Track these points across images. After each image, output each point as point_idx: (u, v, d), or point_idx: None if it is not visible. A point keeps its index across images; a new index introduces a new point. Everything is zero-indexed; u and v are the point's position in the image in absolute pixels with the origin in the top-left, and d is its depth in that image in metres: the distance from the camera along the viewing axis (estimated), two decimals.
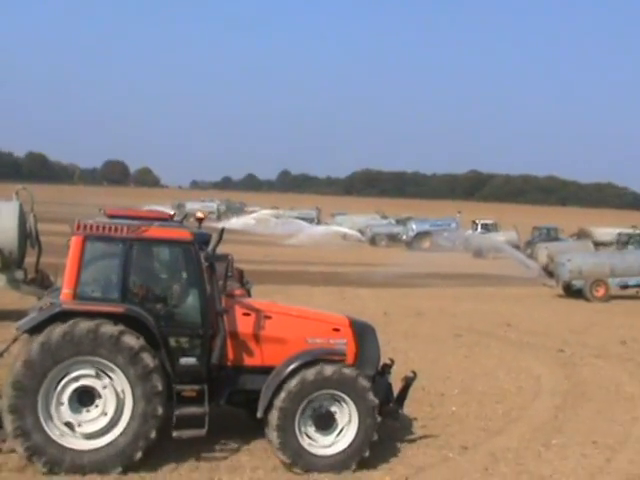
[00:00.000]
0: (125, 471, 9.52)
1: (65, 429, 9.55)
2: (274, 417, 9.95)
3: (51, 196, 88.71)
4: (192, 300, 10.37)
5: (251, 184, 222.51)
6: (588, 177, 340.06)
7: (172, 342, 10.13)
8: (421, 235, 61.77)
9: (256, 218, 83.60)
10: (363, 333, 11.14)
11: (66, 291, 9.85)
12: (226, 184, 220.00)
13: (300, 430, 10.07)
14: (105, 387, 9.64)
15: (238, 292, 12.06)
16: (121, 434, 9.58)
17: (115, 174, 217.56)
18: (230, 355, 10.43)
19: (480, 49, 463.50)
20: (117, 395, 9.64)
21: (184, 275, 10.61)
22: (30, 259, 20.21)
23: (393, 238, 65.81)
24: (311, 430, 10.17)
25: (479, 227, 64.01)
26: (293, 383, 10.00)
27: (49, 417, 9.49)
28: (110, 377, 9.64)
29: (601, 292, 31.95)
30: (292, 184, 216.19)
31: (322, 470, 10.03)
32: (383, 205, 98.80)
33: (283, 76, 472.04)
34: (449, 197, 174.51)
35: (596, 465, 10.97)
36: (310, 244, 58.92)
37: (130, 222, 10.27)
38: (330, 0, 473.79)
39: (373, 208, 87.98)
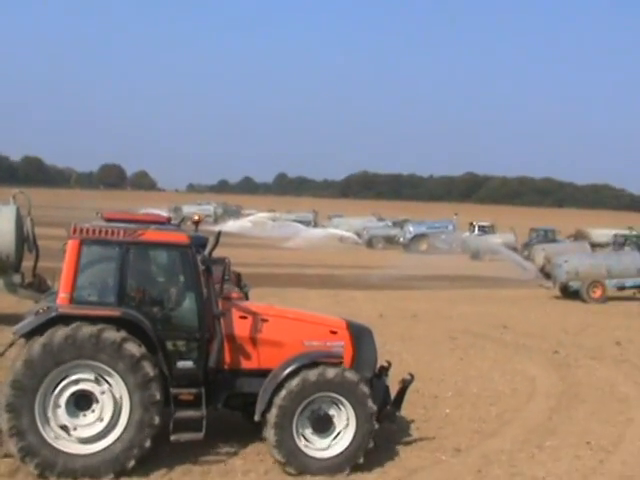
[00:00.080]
0: (117, 476, 9.50)
1: (60, 432, 9.54)
2: (273, 415, 9.95)
3: (47, 200, 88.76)
4: (189, 303, 10.35)
5: (248, 187, 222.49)
6: (585, 179, 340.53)
7: (169, 346, 10.13)
8: (418, 237, 61.80)
9: (253, 221, 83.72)
10: (360, 335, 11.14)
11: (62, 295, 9.84)
12: (223, 187, 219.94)
13: (297, 430, 10.07)
14: (103, 393, 9.63)
15: (235, 295, 12.06)
16: (116, 441, 9.56)
17: (112, 178, 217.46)
18: (227, 358, 10.42)
19: (475, 51, 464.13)
20: (115, 402, 9.62)
21: (181, 278, 10.60)
22: (27, 263, 20.18)
23: (390, 240, 65.87)
24: (308, 432, 10.17)
25: (476, 229, 64.09)
26: (294, 382, 10.00)
27: (45, 419, 9.48)
28: (109, 383, 9.63)
29: (598, 293, 32.00)
30: (289, 187, 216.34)
31: (315, 473, 10.02)
32: (380, 207, 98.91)
33: (280, 79, 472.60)
34: (445, 199, 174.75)
35: (589, 466, 10.98)
36: (307, 247, 58.93)
37: (127, 226, 10.26)
38: (328, 2, 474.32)
39: (370, 210, 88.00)
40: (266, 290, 25.46)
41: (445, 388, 15.29)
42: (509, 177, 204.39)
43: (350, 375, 10.23)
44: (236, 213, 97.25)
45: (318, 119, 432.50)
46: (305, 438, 10.15)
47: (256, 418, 10.11)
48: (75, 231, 9.95)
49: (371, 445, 10.26)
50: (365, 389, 10.27)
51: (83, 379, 9.60)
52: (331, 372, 10.14)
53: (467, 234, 62.59)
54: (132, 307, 10.02)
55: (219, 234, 10.51)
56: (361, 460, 10.20)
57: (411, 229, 63.69)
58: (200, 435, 9.91)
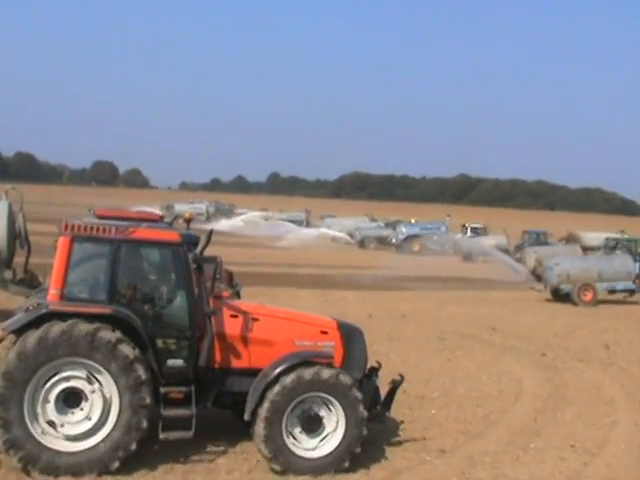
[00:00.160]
0: (100, 476, 9.47)
1: (47, 427, 9.51)
2: (264, 409, 9.94)
3: (39, 196, 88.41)
4: (180, 302, 10.34)
5: (240, 186, 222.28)
6: (577, 182, 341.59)
7: (159, 343, 10.12)
8: (411, 238, 61.81)
9: (245, 220, 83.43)
10: (351, 336, 11.14)
11: (53, 292, 9.81)
12: (215, 186, 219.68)
13: (287, 427, 10.06)
14: (94, 392, 9.61)
15: (226, 294, 12.05)
16: (102, 441, 9.55)
17: (104, 175, 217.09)
18: (218, 357, 10.41)
19: (469, 53, 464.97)
20: (104, 402, 9.60)
21: (172, 277, 10.59)
22: (19, 259, 20.12)
23: (382, 241, 65.85)
24: (297, 430, 10.17)
25: (469, 231, 64.17)
26: (289, 379, 10.00)
27: (33, 413, 9.45)
28: (100, 383, 9.60)
29: (589, 296, 32.06)
30: (281, 186, 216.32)
31: (299, 472, 10.01)
32: (372, 208, 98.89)
33: (274, 79, 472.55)
34: (438, 200, 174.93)
35: (573, 469, 11.00)
36: (299, 246, 58.87)
37: (118, 223, 10.24)
38: (323, 2, 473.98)
39: (362, 211, 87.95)
40: (256, 289, 25.36)
41: (432, 389, 15.28)
42: (502, 179, 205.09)
43: (344, 378, 10.23)
44: (229, 212, 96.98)
45: (311, 119, 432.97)
46: (293, 436, 10.14)
47: (246, 417, 10.10)
48: (66, 228, 9.92)
49: (358, 450, 10.26)
50: (358, 394, 10.28)
51: (75, 376, 9.58)
52: (326, 373, 10.15)
53: (459, 236, 62.64)
54: (123, 305, 10.00)
55: (211, 233, 10.49)
56: (347, 464, 10.19)
57: (404, 230, 63.66)
58: (189, 434, 9.90)
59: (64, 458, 9.41)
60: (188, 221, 11.80)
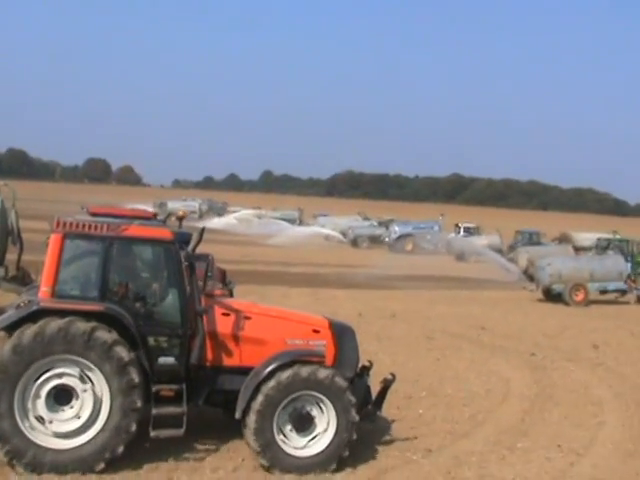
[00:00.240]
0: (84, 475, 9.44)
1: (36, 423, 9.47)
2: (257, 402, 9.94)
3: (32, 193, 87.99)
4: (172, 300, 10.34)
5: (233, 184, 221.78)
6: (569, 182, 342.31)
7: (151, 341, 10.10)
8: (403, 237, 61.86)
9: (238, 218, 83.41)
10: (342, 335, 11.15)
11: (44, 289, 9.80)
12: (208, 183, 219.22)
13: (278, 423, 10.06)
14: (85, 391, 9.57)
15: (218, 292, 12.05)
16: (89, 441, 9.51)
17: (97, 172, 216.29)
18: (209, 355, 10.41)
19: (462, 53, 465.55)
20: (95, 402, 9.56)
21: (164, 274, 10.58)
22: (11, 256, 20.07)
23: (375, 240, 65.90)
24: (287, 428, 10.17)
25: (462, 230, 64.28)
26: (285, 375, 10.02)
27: (23, 407, 9.41)
28: (92, 382, 9.56)
29: (580, 296, 32.14)
30: (274, 184, 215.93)
31: (285, 469, 10.00)
32: (365, 207, 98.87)
33: (265, 76, 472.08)
34: (431, 200, 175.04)
35: (559, 469, 11.01)
36: (292, 245, 58.84)
37: (110, 220, 10.23)
38: (319, 2, 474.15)
39: (355, 209, 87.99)
40: (247, 287, 25.32)
41: (419, 388, 15.26)
42: (494, 179, 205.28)
43: (339, 381, 10.24)
44: (221, 210, 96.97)
45: (304, 117, 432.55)
46: (283, 434, 10.14)
47: (237, 415, 10.10)
48: (58, 225, 9.91)
49: (346, 454, 10.26)
50: (352, 397, 10.29)
51: (68, 374, 9.55)
52: (323, 373, 10.17)
53: (452, 235, 62.75)
54: (114, 302, 9.99)
55: (203, 230, 10.50)
56: (333, 466, 10.18)
57: (397, 229, 63.75)
58: (180, 431, 9.89)
59: (50, 455, 9.37)
60: (181, 219, 11.77)
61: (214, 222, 73.95)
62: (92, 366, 9.53)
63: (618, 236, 44.33)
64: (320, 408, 10.26)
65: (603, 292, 33.44)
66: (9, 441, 9.27)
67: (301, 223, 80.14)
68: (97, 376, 9.56)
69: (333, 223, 75.57)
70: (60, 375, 9.55)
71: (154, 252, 10.70)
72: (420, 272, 41.18)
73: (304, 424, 10.21)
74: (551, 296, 32.91)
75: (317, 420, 10.26)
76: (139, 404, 9.59)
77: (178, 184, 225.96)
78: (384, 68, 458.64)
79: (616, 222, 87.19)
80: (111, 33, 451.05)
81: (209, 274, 12.13)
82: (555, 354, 19.95)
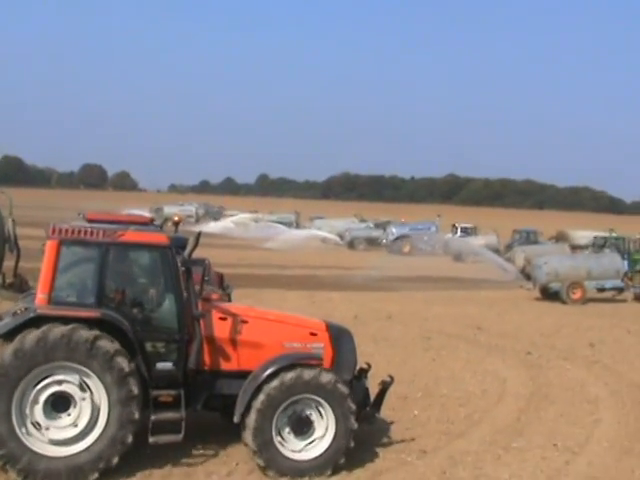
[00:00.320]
0: None
1: (32, 429, 9.44)
2: (259, 401, 9.94)
3: (28, 200, 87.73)
4: (169, 305, 10.34)
5: (229, 188, 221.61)
6: (565, 181, 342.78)
7: (148, 347, 10.10)
8: (401, 239, 61.84)
9: (235, 222, 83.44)
10: (340, 337, 11.16)
11: (41, 296, 9.80)
12: (204, 188, 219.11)
13: (277, 424, 10.06)
14: (84, 399, 9.54)
15: (215, 296, 12.05)
16: (85, 450, 9.47)
17: (93, 178, 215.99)
18: (207, 360, 10.41)
19: (457, 54, 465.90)
20: (93, 410, 9.53)
21: (161, 280, 10.57)
22: (8, 263, 20.04)
23: (372, 242, 65.83)
24: (286, 430, 10.17)
25: (459, 231, 64.33)
26: (289, 376, 10.03)
27: (20, 412, 9.37)
28: (91, 391, 9.54)
29: (578, 295, 32.19)
30: (270, 188, 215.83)
31: (280, 471, 10.00)
32: (361, 209, 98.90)
33: (261, 80, 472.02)
34: (427, 201, 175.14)
35: (554, 468, 11.00)
36: (289, 248, 58.74)
37: (106, 226, 10.22)
38: (316, 3, 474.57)
39: (351, 212, 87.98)
40: (243, 291, 25.28)
41: (415, 389, 15.25)
42: (491, 179, 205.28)
43: (342, 387, 10.25)
44: (218, 214, 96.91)
45: (300, 120, 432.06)
46: (281, 436, 10.14)
47: (235, 420, 10.10)
48: (54, 231, 9.91)
49: (342, 461, 10.25)
50: (352, 405, 10.29)
51: (67, 381, 9.53)
52: (325, 377, 10.18)
53: (449, 236, 62.78)
54: (111, 308, 9.99)
55: (199, 235, 10.50)
56: (329, 472, 10.16)
57: (394, 230, 63.77)
58: (179, 437, 9.88)
59: (44, 462, 9.32)
60: (176, 224, 11.78)
61: (211, 226, 73.92)
62: (92, 375, 9.51)
63: (614, 234, 44.40)
64: (320, 413, 10.25)
65: (600, 290, 33.52)
66: (5, 445, 9.22)
67: (298, 226, 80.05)
68: (97, 385, 9.53)
69: (330, 226, 75.48)
70: (60, 382, 9.52)
71: (150, 257, 10.69)
72: (417, 273, 41.18)
73: (303, 427, 10.21)
74: (548, 295, 32.98)
75: (316, 424, 10.26)
76: (137, 415, 9.56)
77: (174, 189, 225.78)
78: (378, 71, 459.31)
79: (612, 220, 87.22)
80: (103, 39, 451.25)
81: (206, 278, 12.13)
82: (551, 353, 19.97)
